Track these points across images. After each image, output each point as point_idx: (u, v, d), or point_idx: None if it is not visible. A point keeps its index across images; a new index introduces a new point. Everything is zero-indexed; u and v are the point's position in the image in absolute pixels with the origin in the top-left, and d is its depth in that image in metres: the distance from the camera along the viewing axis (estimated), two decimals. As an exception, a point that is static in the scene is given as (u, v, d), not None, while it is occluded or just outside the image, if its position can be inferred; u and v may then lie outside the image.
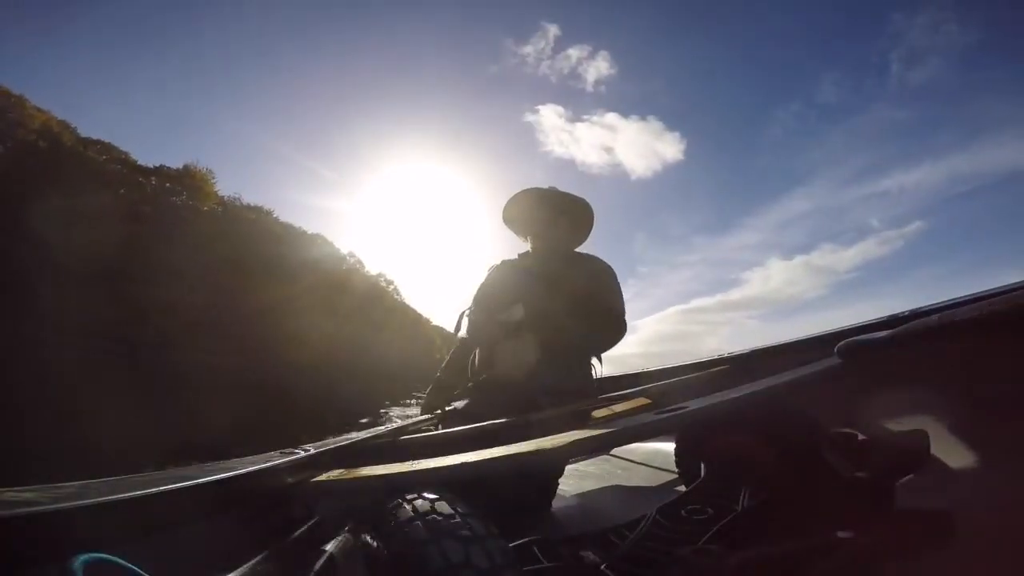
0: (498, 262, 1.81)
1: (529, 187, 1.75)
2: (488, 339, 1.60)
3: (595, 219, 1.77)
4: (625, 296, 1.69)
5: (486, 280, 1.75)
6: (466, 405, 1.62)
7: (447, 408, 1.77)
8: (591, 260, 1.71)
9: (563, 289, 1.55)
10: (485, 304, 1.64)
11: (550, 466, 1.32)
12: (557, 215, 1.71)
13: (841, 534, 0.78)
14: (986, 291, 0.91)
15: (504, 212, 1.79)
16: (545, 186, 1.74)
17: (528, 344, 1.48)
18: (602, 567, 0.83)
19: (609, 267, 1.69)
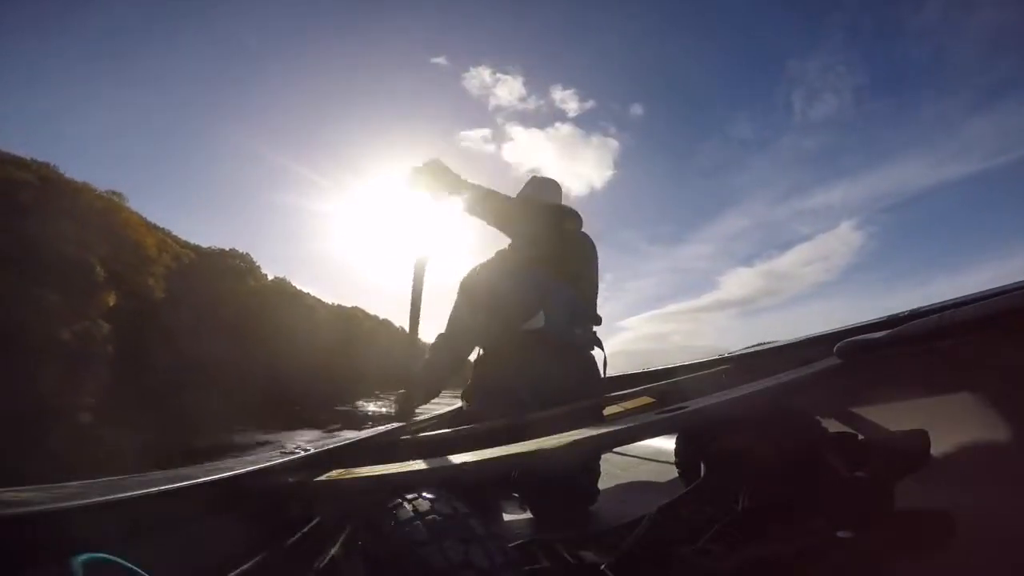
0: (489, 259, 1.74)
1: (539, 179, 1.74)
2: (505, 346, 1.57)
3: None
4: (599, 298, 1.70)
5: (488, 280, 1.68)
6: (472, 407, 1.61)
7: (448, 409, 1.76)
8: (582, 243, 1.68)
9: (578, 288, 1.55)
10: (497, 309, 1.59)
11: (571, 464, 1.32)
12: (559, 223, 1.71)
13: (841, 534, 0.78)
14: (985, 291, 0.91)
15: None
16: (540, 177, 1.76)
17: (550, 352, 1.48)
18: (602, 567, 0.83)
19: (593, 247, 1.69)
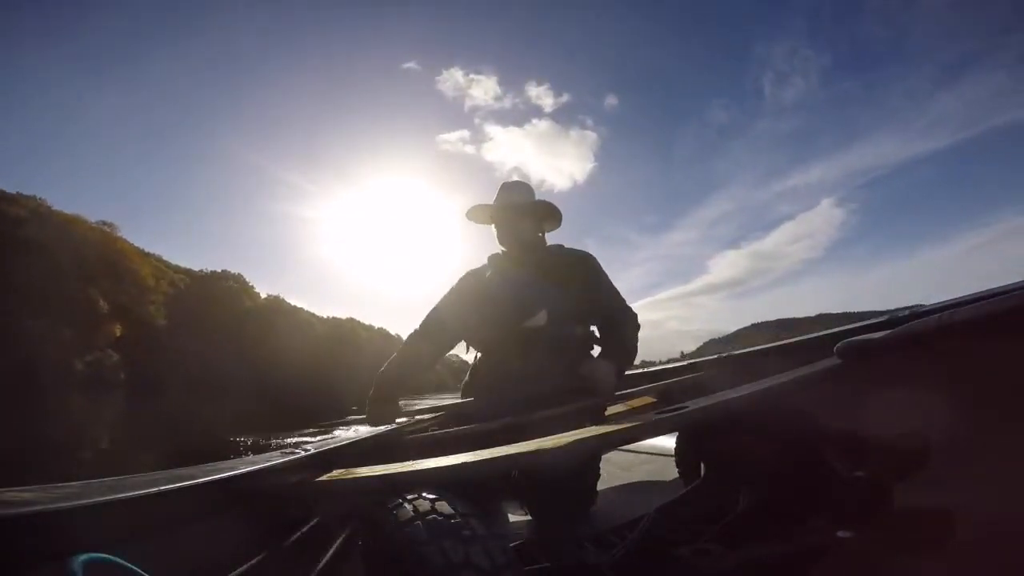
0: (482, 265, 1.77)
1: (509, 183, 1.76)
2: (504, 345, 1.58)
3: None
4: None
5: (484, 284, 1.70)
6: (470, 407, 1.61)
7: (449, 409, 1.77)
8: (580, 257, 1.70)
9: (573, 290, 1.57)
10: (495, 311, 1.61)
11: (572, 464, 1.33)
12: (540, 220, 1.73)
13: (841, 534, 0.78)
14: (986, 291, 0.91)
15: (471, 214, 1.78)
16: (513, 180, 1.78)
17: (551, 349, 1.50)
18: (602, 567, 0.83)
19: (594, 260, 1.69)
